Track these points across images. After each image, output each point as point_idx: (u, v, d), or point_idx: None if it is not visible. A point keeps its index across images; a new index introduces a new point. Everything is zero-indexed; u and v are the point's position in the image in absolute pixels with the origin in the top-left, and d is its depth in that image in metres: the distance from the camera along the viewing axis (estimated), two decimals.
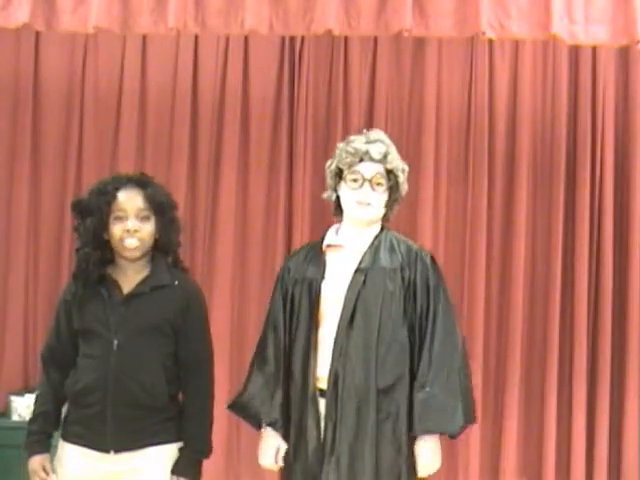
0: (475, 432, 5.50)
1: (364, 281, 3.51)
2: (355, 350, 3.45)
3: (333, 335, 3.47)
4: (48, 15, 4.48)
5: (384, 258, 3.56)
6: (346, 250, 3.60)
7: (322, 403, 3.47)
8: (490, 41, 5.45)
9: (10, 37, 5.51)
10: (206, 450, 3.47)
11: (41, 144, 5.71)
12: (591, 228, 5.63)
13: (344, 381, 3.44)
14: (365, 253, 3.57)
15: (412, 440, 3.50)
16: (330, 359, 3.46)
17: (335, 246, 3.62)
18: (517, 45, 5.67)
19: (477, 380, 5.52)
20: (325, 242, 3.66)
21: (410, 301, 3.53)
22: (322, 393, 3.48)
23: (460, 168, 5.70)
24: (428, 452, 3.51)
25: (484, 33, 4.42)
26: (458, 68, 5.72)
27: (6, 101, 5.70)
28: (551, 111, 5.70)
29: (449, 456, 5.46)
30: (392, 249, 3.59)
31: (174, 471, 3.36)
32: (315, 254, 3.64)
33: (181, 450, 3.39)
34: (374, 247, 3.58)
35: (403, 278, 3.54)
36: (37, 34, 5.56)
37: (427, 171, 5.59)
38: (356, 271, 3.53)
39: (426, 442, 3.50)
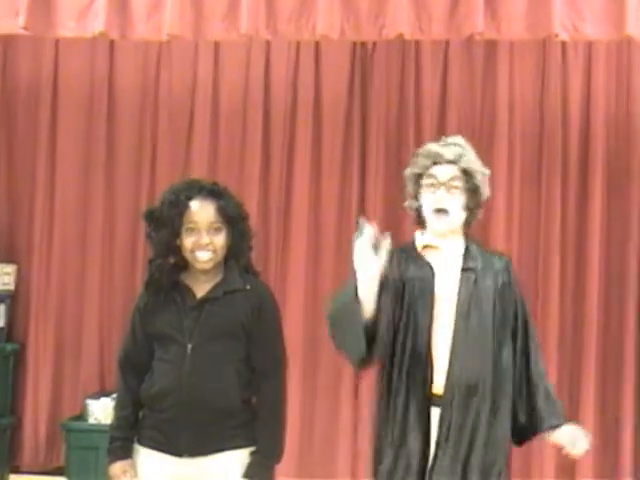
0: None
1: (475, 280, 3.45)
2: (472, 349, 3.37)
3: (447, 332, 3.38)
4: (123, 24, 4.55)
5: (485, 259, 3.52)
6: (443, 252, 3.48)
7: (434, 410, 3.35)
8: (562, 43, 5.40)
9: (86, 46, 5.60)
10: (277, 455, 3.47)
11: (116, 151, 5.81)
12: None
13: (463, 387, 3.36)
14: (465, 255, 3.50)
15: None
16: (448, 359, 3.36)
17: (432, 247, 3.49)
18: (590, 47, 5.60)
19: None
20: (421, 242, 3.51)
21: (503, 302, 3.50)
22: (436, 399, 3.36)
23: (533, 172, 5.65)
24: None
25: (557, 35, 4.37)
26: (530, 71, 5.67)
27: (82, 109, 5.82)
28: (626, 114, 5.62)
29: (524, 456, 5.42)
30: (484, 253, 3.56)
31: (245, 475, 3.37)
32: (410, 256, 3.49)
33: (252, 454, 3.40)
34: (469, 250, 3.52)
35: (502, 280, 3.52)
36: (111, 43, 5.64)
37: (500, 176, 5.53)
38: (465, 270, 3.45)
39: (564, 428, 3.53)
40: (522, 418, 3.50)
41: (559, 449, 5.39)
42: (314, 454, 5.65)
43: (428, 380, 3.35)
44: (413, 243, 3.55)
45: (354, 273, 3.21)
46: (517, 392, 3.50)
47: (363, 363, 3.36)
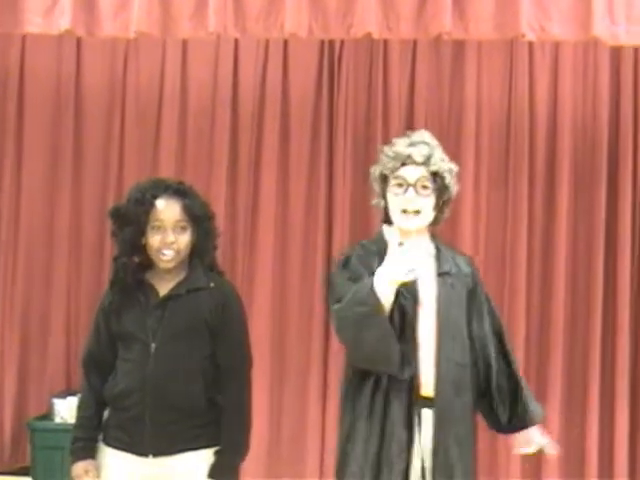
0: None
1: (452, 284, 3.43)
2: (452, 355, 3.35)
3: (431, 336, 3.34)
4: (89, 21, 4.53)
5: (454, 262, 3.52)
6: (417, 250, 3.37)
7: (424, 413, 3.32)
8: (530, 43, 5.42)
9: (52, 43, 5.57)
10: (242, 454, 3.46)
11: (83, 149, 5.78)
12: (633, 230, 5.59)
13: (451, 386, 3.35)
14: (437, 256, 3.48)
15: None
16: (434, 362, 3.32)
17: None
18: (557, 47, 5.63)
19: None
20: (396, 240, 3.37)
21: (472, 305, 3.51)
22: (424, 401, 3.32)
23: (501, 170, 5.68)
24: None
25: (524, 35, 4.39)
26: (498, 71, 5.69)
27: (48, 108, 5.78)
28: (592, 113, 5.66)
29: (490, 454, 5.45)
30: (452, 254, 3.56)
31: (210, 474, 3.37)
32: (385, 254, 3.35)
33: (217, 453, 3.39)
34: (441, 251, 3.50)
35: (472, 284, 3.52)
36: (79, 40, 5.61)
37: (467, 174, 5.55)
38: (441, 274, 3.43)
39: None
40: (504, 415, 3.51)
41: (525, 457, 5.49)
42: (282, 453, 5.64)
43: (414, 382, 3.30)
44: (383, 240, 3.49)
45: (385, 279, 3.19)
46: (497, 391, 3.50)
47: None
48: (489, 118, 5.67)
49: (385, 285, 3.19)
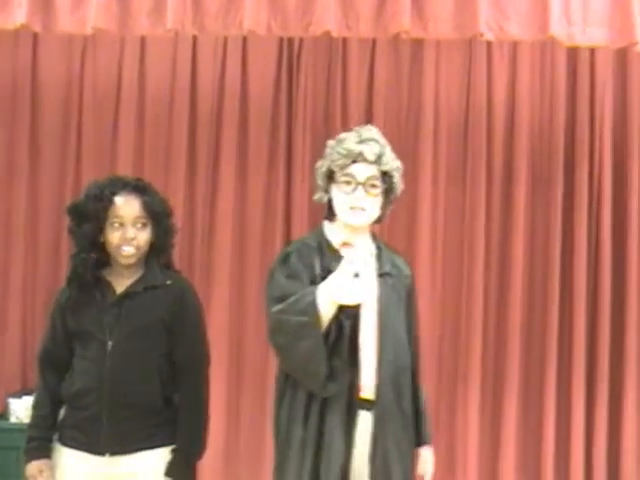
0: (473, 433, 5.52)
1: (392, 285, 3.46)
2: (393, 357, 3.38)
3: (370, 339, 3.34)
4: (46, 16, 4.47)
5: (394, 263, 3.53)
6: (358, 250, 3.41)
7: (363, 415, 3.32)
8: (488, 43, 5.45)
9: (8, 38, 5.50)
10: (198, 452, 3.46)
11: (39, 146, 5.71)
12: (589, 228, 5.63)
13: (392, 387, 3.37)
14: (379, 256, 3.49)
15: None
16: (375, 366, 3.33)
17: (348, 244, 3.43)
18: (515, 47, 5.67)
19: (475, 381, 5.53)
20: (338, 239, 3.45)
21: (409, 309, 3.56)
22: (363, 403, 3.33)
23: (458, 169, 5.70)
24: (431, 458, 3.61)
25: (482, 35, 4.41)
26: (456, 70, 5.72)
27: (4, 103, 5.70)
28: (549, 112, 5.70)
29: (447, 457, 5.49)
30: (392, 255, 3.57)
31: (167, 473, 3.36)
32: (329, 252, 3.42)
33: (174, 451, 3.38)
34: (381, 251, 3.52)
35: (409, 287, 3.55)
36: (35, 35, 5.55)
37: (425, 172, 5.60)
38: (382, 275, 3.44)
39: (429, 449, 3.60)
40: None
41: (482, 452, 5.54)
42: (240, 452, 5.63)
43: (354, 384, 3.30)
44: (323, 235, 3.50)
45: (326, 293, 3.19)
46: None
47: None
48: (447, 116, 5.69)
49: (328, 302, 3.19)
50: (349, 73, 5.68)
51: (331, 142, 3.53)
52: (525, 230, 5.66)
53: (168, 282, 3.44)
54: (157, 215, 3.43)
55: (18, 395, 5.37)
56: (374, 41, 5.65)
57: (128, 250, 3.36)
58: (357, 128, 3.56)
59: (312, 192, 5.41)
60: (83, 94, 5.70)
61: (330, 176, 3.47)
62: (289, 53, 5.68)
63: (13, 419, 5.31)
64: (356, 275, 3.17)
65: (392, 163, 3.46)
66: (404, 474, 3.38)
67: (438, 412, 5.38)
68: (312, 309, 3.19)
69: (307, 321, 3.19)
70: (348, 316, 3.29)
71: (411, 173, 5.48)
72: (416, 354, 3.61)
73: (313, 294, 3.20)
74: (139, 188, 3.45)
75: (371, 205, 3.42)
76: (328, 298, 3.19)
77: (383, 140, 3.50)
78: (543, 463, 5.56)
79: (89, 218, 3.37)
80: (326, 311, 3.20)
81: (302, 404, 3.31)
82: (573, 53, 5.64)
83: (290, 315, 3.23)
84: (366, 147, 3.41)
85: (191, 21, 4.45)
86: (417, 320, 3.67)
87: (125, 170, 5.24)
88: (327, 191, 3.50)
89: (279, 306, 3.27)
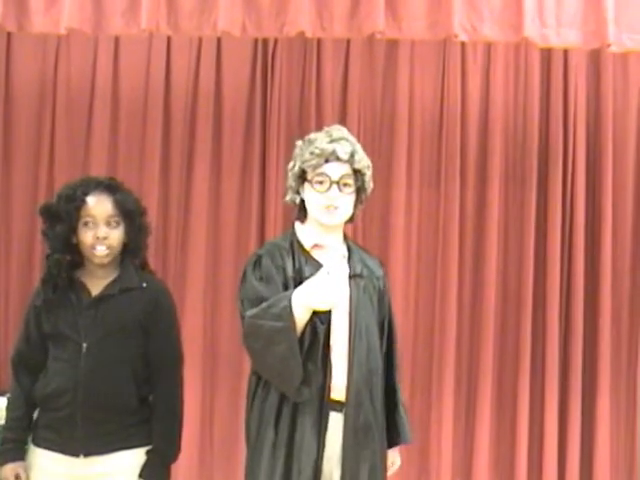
0: (447, 433, 5.53)
1: (364, 286, 3.46)
2: (364, 358, 3.38)
3: (341, 340, 3.36)
4: (19, 16, 4.46)
5: (366, 264, 3.53)
6: (329, 251, 3.47)
7: (334, 416, 3.33)
8: (462, 44, 5.47)
9: None
10: (173, 453, 3.46)
11: (12, 146, 5.66)
12: (563, 230, 5.65)
13: (363, 389, 3.37)
14: (350, 257, 3.50)
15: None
16: (347, 368, 3.34)
17: (320, 246, 3.47)
18: (489, 48, 5.69)
19: (449, 383, 5.55)
20: (310, 241, 3.47)
21: (381, 309, 3.56)
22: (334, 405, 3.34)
23: (432, 170, 5.71)
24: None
25: (456, 36, 4.42)
26: (430, 70, 5.72)
27: None
28: (523, 113, 5.72)
29: (421, 457, 5.50)
30: (363, 255, 3.58)
31: (141, 474, 3.35)
32: (301, 254, 3.43)
33: (148, 453, 3.38)
34: (352, 252, 3.53)
35: (381, 287, 3.55)
36: (8, 35, 5.52)
37: (399, 174, 5.60)
38: (354, 276, 3.44)
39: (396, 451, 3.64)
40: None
41: (456, 451, 5.55)
42: (214, 454, 5.61)
43: (326, 386, 3.31)
44: (295, 237, 3.51)
45: (303, 297, 3.20)
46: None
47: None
48: (421, 117, 5.70)
49: (302, 308, 3.20)
50: (324, 73, 5.68)
51: (300, 143, 3.55)
52: (499, 230, 5.68)
53: (144, 284, 3.44)
54: (130, 213, 3.43)
55: None
56: (348, 41, 5.65)
57: (101, 250, 3.35)
58: (326, 128, 3.58)
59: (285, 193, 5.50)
60: (56, 93, 5.66)
61: (302, 176, 3.48)
62: (264, 53, 5.67)
63: None
64: (331, 280, 3.18)
65: (364, 161, 3.49)
66: (374, 475, 3.39)
67: (412, 412, 5.38)
68: (287, 314, 3.19)
69: (282, 326, 3.19)
70: (323, 321, 3.30)
71: (385, 175, 5.49)
72: (393, 353, 3.61)
73: (288, 299, 3.21)
74: (111, 187, 3.44)
75: (345, 203, 3.44)
76: (303, 303, 3.19)
77: (353, 139, 3.53)
78: (517, 461, 5.57)
79: (61, 219, 3.35)
80: (301, 316, 3.21)
81: (274, 406, 3.32)
82: (547, 54, 5.66)
83: (264, 320, 3.23)
84: (338, 146, 3.43)
85: (165, 21, 4.44)
86: (393, 320, 3.67)
87: (99, 170, 5.22)
88: (299, 192, 3.52)
89: (253, 310, 3.28)
